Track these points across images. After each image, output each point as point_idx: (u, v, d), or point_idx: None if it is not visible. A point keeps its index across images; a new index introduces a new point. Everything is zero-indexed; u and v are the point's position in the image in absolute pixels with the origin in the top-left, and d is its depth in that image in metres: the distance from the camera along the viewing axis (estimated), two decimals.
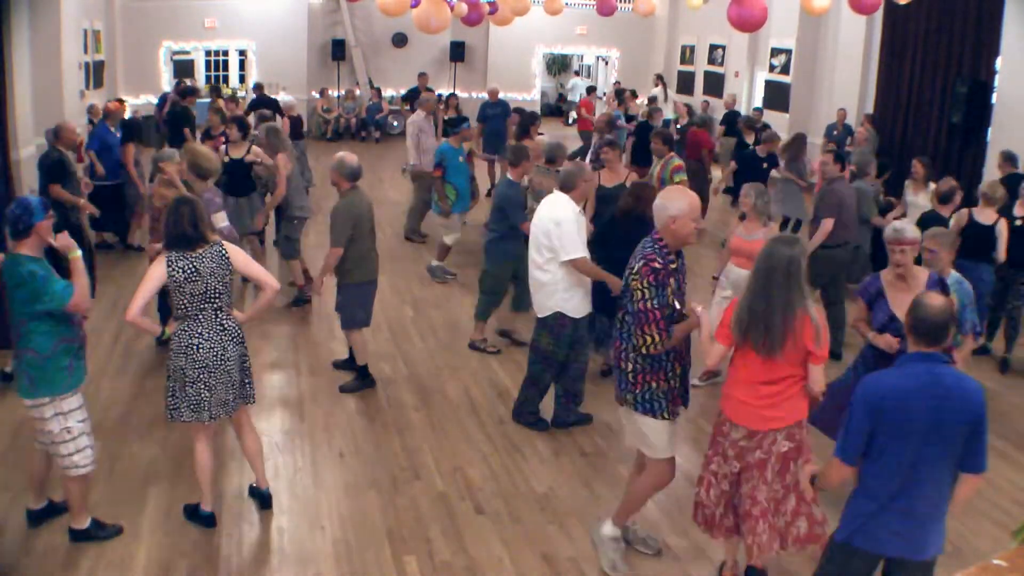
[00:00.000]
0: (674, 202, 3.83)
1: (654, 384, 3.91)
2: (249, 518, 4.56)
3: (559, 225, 5.16)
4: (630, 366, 3.93)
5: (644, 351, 3.81)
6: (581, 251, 5.21)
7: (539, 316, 5.48)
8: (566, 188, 5.32)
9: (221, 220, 6.12)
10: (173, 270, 4.08)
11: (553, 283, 5.30)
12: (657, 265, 3.78)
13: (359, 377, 6.19)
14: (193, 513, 4.46)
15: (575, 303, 5.36)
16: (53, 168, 7.64)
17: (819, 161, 7.14)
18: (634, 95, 16.00)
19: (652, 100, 15.81)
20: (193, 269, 4.09)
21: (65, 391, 3.97)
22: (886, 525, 3.04)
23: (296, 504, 4.72)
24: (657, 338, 3.77)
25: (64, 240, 3.95)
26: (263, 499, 4.62)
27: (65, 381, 3.96)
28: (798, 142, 10.09)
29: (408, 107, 15.44)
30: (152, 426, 5.49)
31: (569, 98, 22.85)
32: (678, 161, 8.45)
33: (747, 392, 3.70)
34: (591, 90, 19.30)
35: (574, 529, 4.57)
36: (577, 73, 24.82)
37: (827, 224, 6.79)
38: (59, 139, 7.81)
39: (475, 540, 4.45)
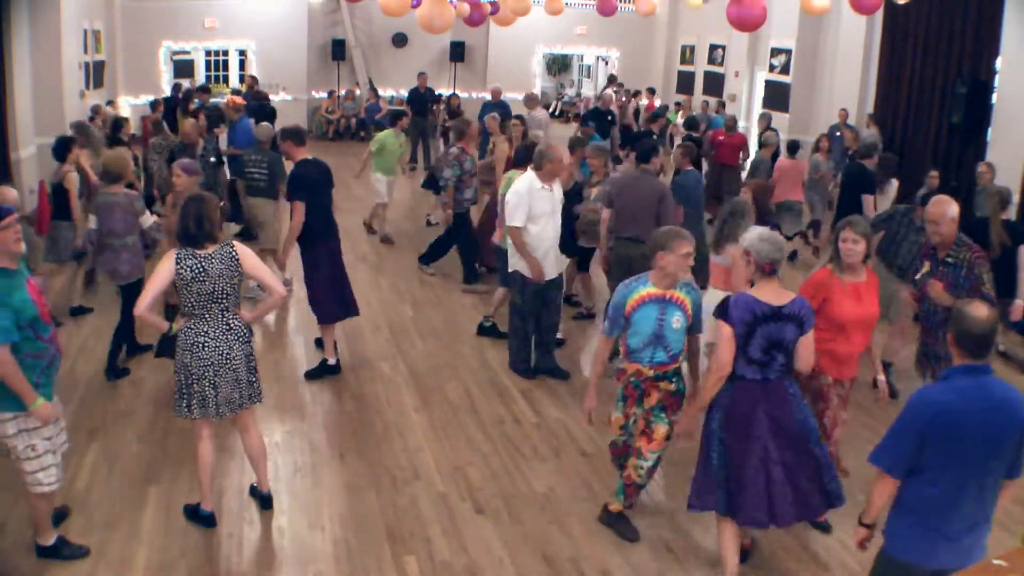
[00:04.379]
0: (954, 207, 4.82)
1: None
2: (249, 518, 4.56)
3: (511, 195, 6.16)
4: None
5: None
6: (517, 222, 6.07)
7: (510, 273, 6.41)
8: (535, 166, 6.15)
9: (147, 220, 6.28)
10: (181, 268, 4.09)
11: (512, 246, 6.26)
12: None
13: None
14: (193, 513, 4.46)
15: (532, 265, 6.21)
16: None
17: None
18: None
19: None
20: (201, 269, 4.11)
21: (22, 409, 3.79)
22: (937, 537, 3.01)
23: (296, 504, 4.72)
24: None
25: None
26: (264, 501, 4.62)
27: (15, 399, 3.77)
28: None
29: (408, 107, 15.42)
30: (152, 426, 5.49)
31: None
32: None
33: None
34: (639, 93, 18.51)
35: (574, 529, 4.57)
36: (554, 75, 24.67)
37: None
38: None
39: (475, 540, 4.45)
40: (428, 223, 11.09)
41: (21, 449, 3.85)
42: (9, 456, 3.92)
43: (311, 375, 6.34)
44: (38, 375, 3.81)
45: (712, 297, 5.27)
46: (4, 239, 3.69)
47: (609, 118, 12.35)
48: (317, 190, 6.20)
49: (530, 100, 11.75)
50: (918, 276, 5.14)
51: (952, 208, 4.81)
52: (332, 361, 6.41)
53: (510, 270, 6.39)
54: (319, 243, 6.23)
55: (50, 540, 4.13)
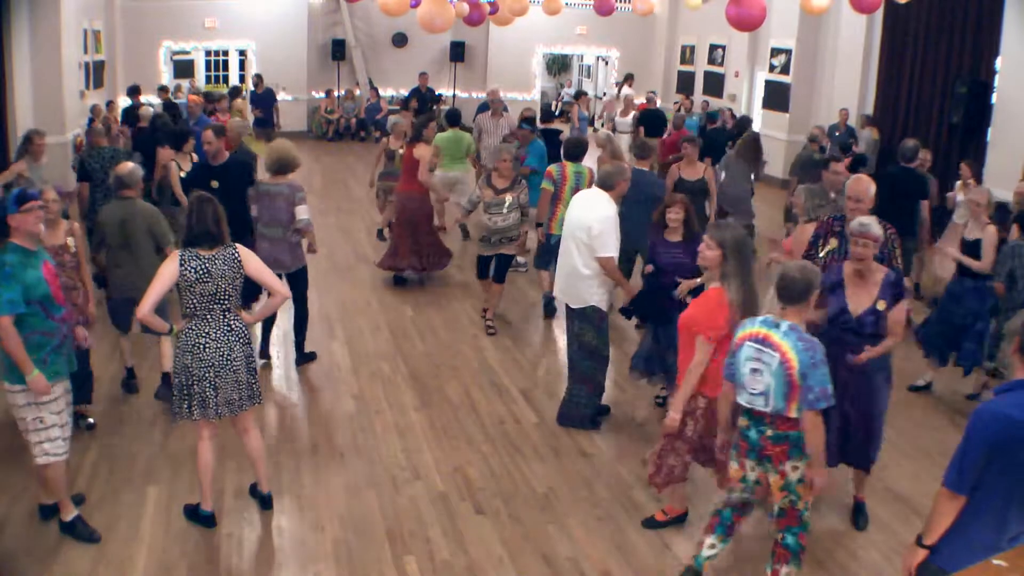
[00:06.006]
0: (874, 186, 4.90)
1: None
2: (249, 518, 4.56)
3: (601, 222, 5.33)
4: None
5: None
6: (612, 251, 5.37)
7: (578, 309, 5.55)
8: (606, 187, 5.48)
9: (304, 212, 6.24)
10: (185, 269, 4.08)
11: (593, 277, 5.44)
12: None
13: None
14: (193, 513, 4.46)
15: (608, 297, 5.64)
16: None
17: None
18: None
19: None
20: (205, 270, 4.10)
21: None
22: (991, 550, 2.89)
23: (296, 504, 4.72)
24: None
25: None
26: (264, 501, 4.62)
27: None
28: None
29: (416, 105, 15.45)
30: (152, 426, 5.49)
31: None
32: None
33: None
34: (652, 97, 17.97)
35: (574, 529, 4.56)
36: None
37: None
38: None
39: (475, 540, 4.45)
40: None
41: (30, 420, 4.02)
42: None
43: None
44: (47, 353, 3.98)
45: None
46: (25, 221, 3.93)
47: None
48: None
49: (494, 102, 11.37)
50: (822, 253, 4.94)
51: (873, 187, 4.95)
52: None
53: (588, 304, 5.50)
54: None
55: (69, 516, 4.24)
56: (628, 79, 18.61)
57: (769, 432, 3.71)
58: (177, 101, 13.39)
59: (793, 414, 3.64)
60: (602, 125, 16.54)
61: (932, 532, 3.03)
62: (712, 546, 4.00)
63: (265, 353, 6.58)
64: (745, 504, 3.98)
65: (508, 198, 7.16)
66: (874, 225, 4.37)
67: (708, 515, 4.15)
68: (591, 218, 5.35)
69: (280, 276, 6.13)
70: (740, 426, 3.85)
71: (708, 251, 4.13)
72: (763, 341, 3.67)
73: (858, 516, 4.75)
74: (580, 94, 15.58)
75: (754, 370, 3.67)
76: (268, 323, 6.57)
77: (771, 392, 3.64)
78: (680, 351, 4.29)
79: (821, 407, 3.58)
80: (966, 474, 2.91)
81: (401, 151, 8.98)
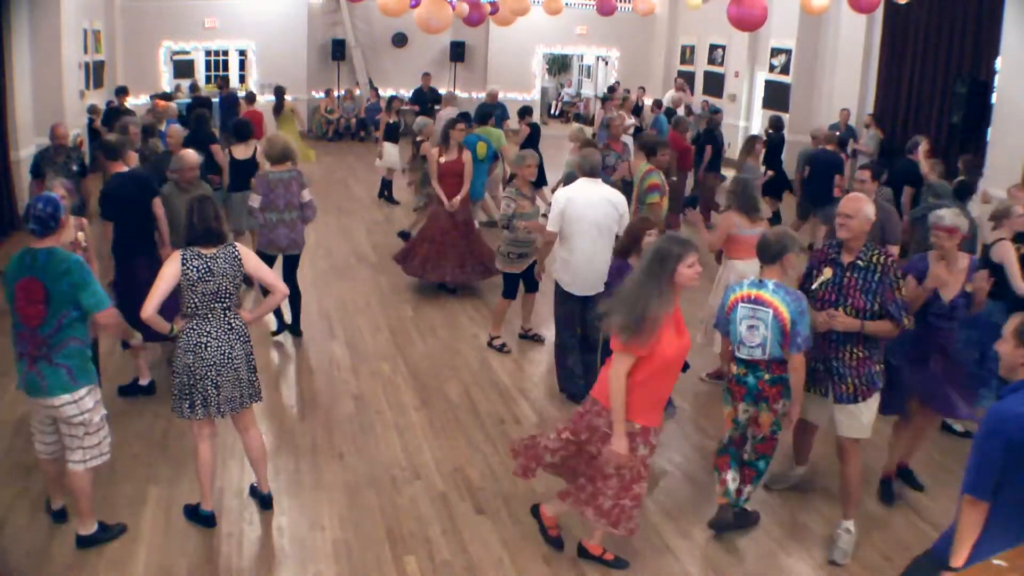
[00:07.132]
0: (872, 208, 4.42)
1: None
2: (249, 518, 4.56)
3: (626, 206, 5.85)
4: (878, 366, 4.41)
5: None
6: None
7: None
8: (594, 174, 5.86)
9: (309, 194, 6.81)
10: (188, 268, 4.09)
11: None
12: None
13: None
14: (193, 513, 4.46)
15: None
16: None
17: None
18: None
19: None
20: (207, 268, 4.11)
21: (96, 379, 4.07)
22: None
23: (296, 504, 4.72)
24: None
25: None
26: (264, 501, 4.62)
27: (94, 370, 4.08)
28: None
29: (417, 107, 15.48)
30: (152, 426, 5.49)
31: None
32: (655, 178, 7.00)
33: None
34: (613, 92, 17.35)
35: (574, 529, 4.56)
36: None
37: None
38: None
39: (475, 540, 4.45)
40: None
41: (96, 420, 4.04)
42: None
43: (124, 391, 5.86)
44: (87, 360, 4.01)
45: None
46: (67, 222, 4.02)
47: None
48: (129, 205, 5.81)
49: (447, 99, 11.55)
50: (815, 284, 4.40)
51: (869, 208, 4.32)
52: (145, 382, 5.91)
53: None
54: (137, 257, 5.78)
55: (92, 528, 4.20)
56: (677, 80, 18.68)
57: (766, 376, 4.25)
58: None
59: (788, 358, 4.18)
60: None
61: (962, 548, 2.91)
62: (734, 479, 4.42)
63: (296, 329, 7.14)
64: (742, 438, 4.45)
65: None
66: (948, 216, 4.63)
67: (715, 456, 4.55)
68: (623, 206, 5.79)
69: (272, 260, 6.54)
70: (735, 373, 4.34)
71: (691, 269, 3.70)
72: (755, 300, 4.21)
73: (894, 486, 4.99)
74: (607, 97, 15.67)
75: (751, 327, 4.21)
76: (294, 302, 7.04)
77: (767, 342, 4.18)
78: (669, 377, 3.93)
79: (805, 348, 4.16)
80: (985, 476, 2.85)
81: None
